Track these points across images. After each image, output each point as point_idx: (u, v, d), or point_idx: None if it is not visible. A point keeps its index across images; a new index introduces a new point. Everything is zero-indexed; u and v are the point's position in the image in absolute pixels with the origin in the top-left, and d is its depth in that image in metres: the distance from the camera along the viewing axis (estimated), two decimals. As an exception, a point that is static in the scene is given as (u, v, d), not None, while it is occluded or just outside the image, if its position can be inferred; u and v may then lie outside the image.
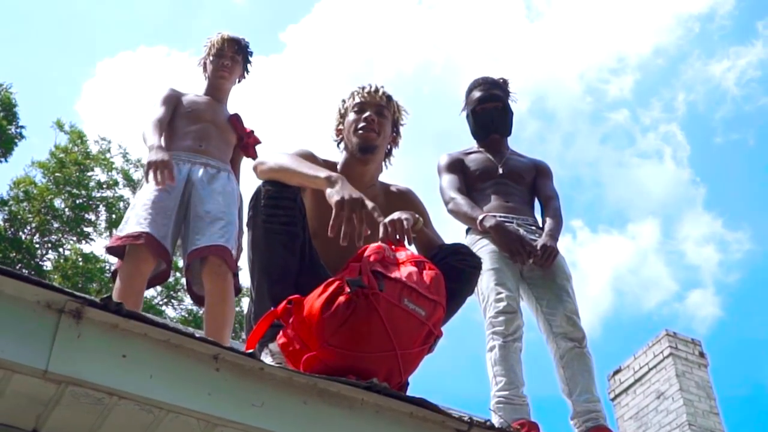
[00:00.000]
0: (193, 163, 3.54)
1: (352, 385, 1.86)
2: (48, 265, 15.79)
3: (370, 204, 2.36)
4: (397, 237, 2.41)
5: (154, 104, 3.71)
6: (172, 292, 16.41)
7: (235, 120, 3.82)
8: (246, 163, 3.89)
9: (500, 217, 3.63)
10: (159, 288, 15.81)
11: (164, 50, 32.99)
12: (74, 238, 16.31)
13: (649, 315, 30.06)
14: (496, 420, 3.12)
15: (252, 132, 3.86)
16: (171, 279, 15.72)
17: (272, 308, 2.25)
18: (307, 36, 31.78)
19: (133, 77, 27.82)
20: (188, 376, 1.69)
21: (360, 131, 2.88)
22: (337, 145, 3.02)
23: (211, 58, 3.91)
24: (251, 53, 4.04)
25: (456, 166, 3.87)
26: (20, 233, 15.70)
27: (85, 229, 16.39)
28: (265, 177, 2.56)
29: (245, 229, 2.60)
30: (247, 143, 3.82)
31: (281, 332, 2.19)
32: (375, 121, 2.89)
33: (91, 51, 32.20)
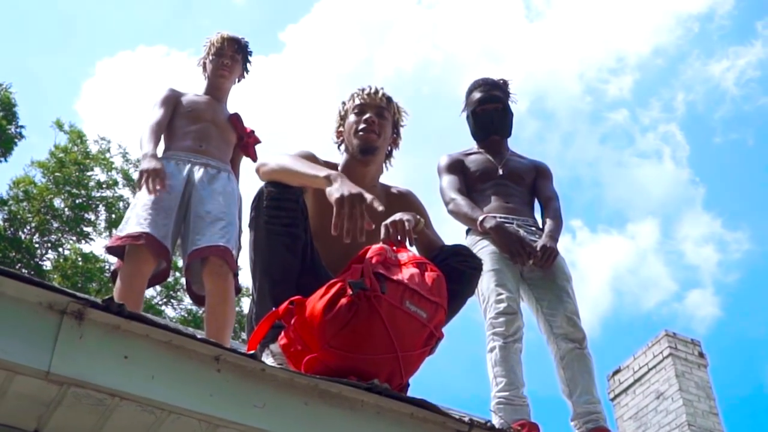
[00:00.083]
0: (193, 164, 3.55)
1: (353, 386, 1.87)
2: (47, 265, 15.79)
3: (369, 197, 2.36)
4: (399, 238, 2.42)
5: (153, 106, 3.72)
6: (171, 292, 16.41)
7: (235, 119, 3.83)
8: (245, 163, 3.91)
9: (500, 218, 3.64)
10: (158, 288, 15.82)
11: (164, 50, 33.00)
12: (74, 238, 16.31)
13: (648, 315, 30.09)
14: (496, 421, 3.13)
15: (252, 132, 3.86)
16: (170, 279, 15.73)
17: (273, 309, 2.26)
18: (306, 36, 31.80)
19: (132, 77, 27.85)
20: (190, 377, 1.69)
21: (360, 133, 2.88)
22: (338, 147, 3.02)
23: (210, 57, 3.92)
24: (251, 53, 4.04)
25: (456, 166, 3.88)
26: (20, 233, 15.70)
27: (85, 228, 16.39)
28: (267, 178, 2.57)
29: (247, 229, 2.60)
30: (247, 143, 3.83)
31: (283, 333, 2.19)
32: (375, 123, 2.90)
33: (90, 51, 32.24)
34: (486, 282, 3.38)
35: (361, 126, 2.89)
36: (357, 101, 2.96)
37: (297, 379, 1.82)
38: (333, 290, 2.10)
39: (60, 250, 16.23)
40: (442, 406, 2.03)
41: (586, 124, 36.42)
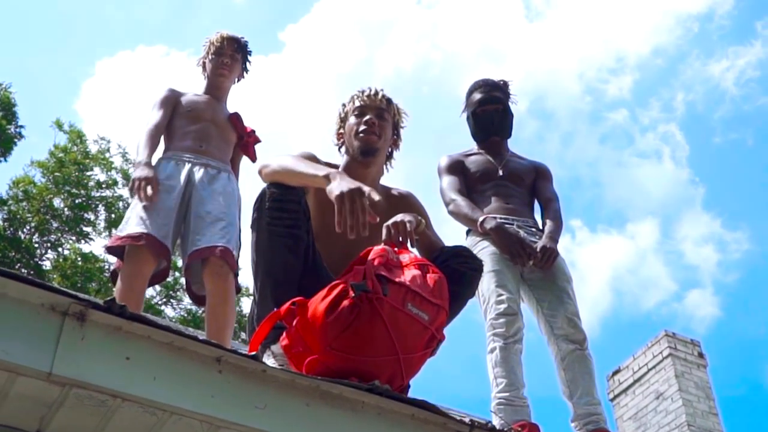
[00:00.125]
0: (193, 164, 3.55)
1: (354, 387, 1.87)
2: (47, 265, 15.78)
3: (366, 189, 2.36)
4: (401, 239, 2.42)
5: (152, 108, 3.72)
6: (171, 292, 16.41)
7: (235, 119, 3.83)
8: (245, 163, 3.90)
9: (500, 218, 3.64)
10: (158, 288, 15.82)
11: (163, 50, 32.98)
12: (73, 238, 16.30)
13: (648, 315, 30.10)
14: (496, 421, 3.13)
15: (253, 131, 3.87)
16: (170, 279, 15.72)
17: (275, 310, 2.26)
18: (306, 36, 31.79)
19: (132, 77, 27.83)
20: (191, 379, 1.70)
21: (361, 134, 2.89)
22: (338, 150, 3.02)
23: (210, 56, 3.92)
24: (250, 52, 4.05)
25: (456, 167, 3.88)
26: (19, 233, 15.69)
27: (85, 228, 16.38)
28: (269, 179, 2.58)
29: (248, 230, 2.61)
30: (247, 142, 3.83)
31: (284, 334, 2.20)
32: (376, 124, 2.90)
33: (90, 50, 32.25)
34: (486, 283, 3.39)
35: (362, 128, 2.90)
36: (357, 103, 2.97)
37: (298, 380, 1.82)
38: (335, 292, 2.10)
39: (59, 249, 16.23)
40: (442, 406, 2.03)
41: (585, 124, 36.46)
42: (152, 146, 3.54)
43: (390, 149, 3.02)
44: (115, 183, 17.08)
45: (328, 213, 2.63)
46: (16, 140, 15.74)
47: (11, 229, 15.56)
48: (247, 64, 4.04)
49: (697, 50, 36.37)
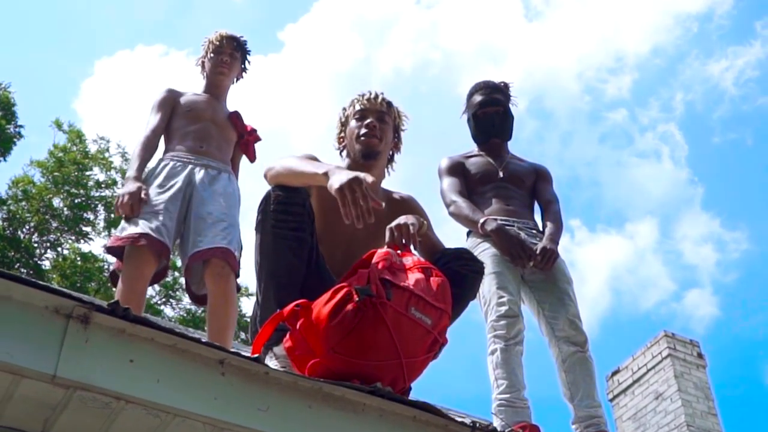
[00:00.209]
0: (194, 165, 3.55)
1: (356, 389, 1.88)
2: (46, 265, 15.80)
3: (362, 175, 2.37)
4: (404, 242, 2.42)
5: (150, 111, 3.73)
6: (170, 292, 16.41)
7: (235, 117, 3.83)
8: (245, 162, 3.90)
9: (501, 220, 3.65)
10: (157, 287, 15.82)
11: (162, 49, 33.00)
12: (73, 238, 16.32)
13: (647, 315, 30.12)
14: (497, 423, 3.14)
15: (254, 130, 3.86)
16: (169, 278, 15.72)
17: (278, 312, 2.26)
18: (305, 35, 31.80)
19: (131, 76, 27.82)
20: (194, 381, 1.70)
21: (362, 138, 2.90)
22: (340, 153, 3.04)
23: (209, 55, 3.92)
24: (249, 51, 4.04)
25: (457, 169, 3.89)
26: (19, 232, 15.70)
27: (84, 228, 16.39)
28: (274, 182, 2.59)
29: (253, 232, 2.61)
30: (247, 140, 3.82)
31: (288, 335, 2.20)
32: (377, 127, 2.92)
33: (89, 50, 32.26)
34: (487, 285, 3.40)
35: (363, 131, 2.91)
36: (358, 107, 2.98)
37: (301, 383, 1.83)
38: (339, 295, 2.10)
39: (59, 249, 16.25)
40: (442, 406, 2.04)
41: (584, 124, 36.48)
42: (144, 158, 3.55)
43: (391, 152, 3.03)
44: (115, 183, 17.08)
45: (329, 215, 2.64)
46: (15, 140, 15.74)
47: (11, 228, 15.57)
48: (246, 63, 4.03)
49: (697, 50, 36.41)
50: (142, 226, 3.26)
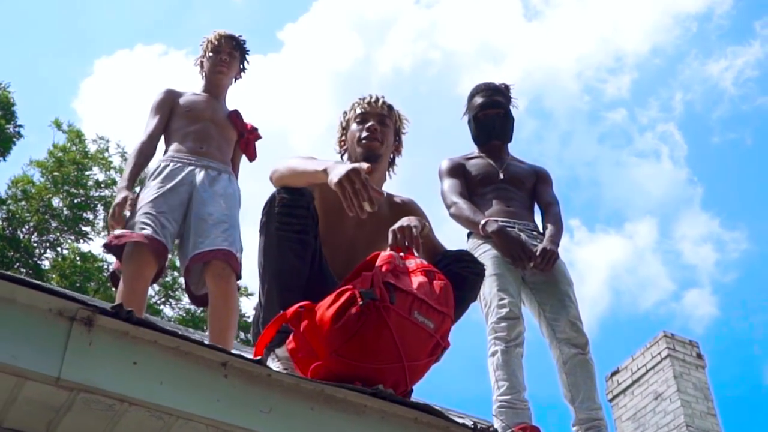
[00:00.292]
0: (194, 166, 3.55)
1: (358, 391, 1.89)
2: (46, 264, 15.80)
3: (358, 165, 2.39)
4: (406, 244, 2.43)
5: (149, 112, 3.73)
6: (169, 292, 16.42)
7: (235, 116, 3.82)
8: (245, 162, 3.90)
9: (502, 221, 3.66)
10: (156, 287, 15.82)
11: (162, 48, 33.02)
12: (72, 237, 16.32)
13: (646, 314, 30.13)
14: (498, 424, 3.15)
15: (254, 129, 3.86)
16: (169, 278, 15.73)
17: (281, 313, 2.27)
18: (305, 35, 31.80)
19: (130, 75, 27.82)
20: (197, 383, 1.71)
21: (363, 141, 2.91)
22: (341, 157, 3.04)
23: (208, 54, 3.91)
24: (248, 50, 4.03)
25: (457, 170, 3.90)
26: (18, 232, 15.70)
27: (83, 228, 16.39)
28: (279, 183, 2.61)
29: (256, 234, 2.62)
30: (248, 139, 3.82)
31: (291, 337, 2.21)
32: (378, 130, 2.93)
33: (88, 49, 32.23)
34: (488, 286, 3.40)
35: (364, 134, 2.92)
36: (358, 110, 2.99)
37: (303, 385, 1.84)
38: (343, 298, 2.11)
39: (58, 249, 16.25)
40: (442, 407, 2.04)
41: (584, 124, 36.49)
42: (136, 167, 3.58)
43: (392, 155, 3.04)
44: (114, 182, 17.06)
45: (332, 217, 2.65)
46: (15, 140, 15.76)
47: (10, 228, 15.57)
48: (245, 62, 4.03)
49: (696, 50, 36.42)
50: (144, 228, 3.26)
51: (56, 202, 16.31)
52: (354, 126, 2.98)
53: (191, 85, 3.99)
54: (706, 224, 33.07)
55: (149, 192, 3.42)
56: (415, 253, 2.42)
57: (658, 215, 33.47)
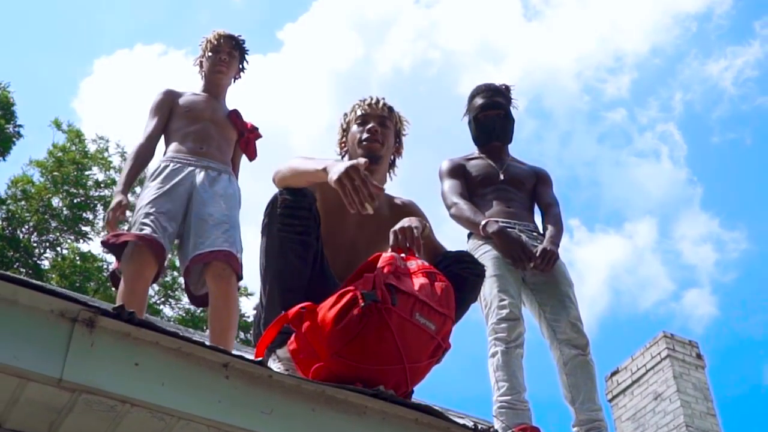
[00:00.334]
0: (194, 166, 3.55)
1: (358, 392, 1.89)
2: (46, 264, 15.79)
3: (356, 161, 2.39)
4: (408, 245, 2.43)
5: (148, 114, 3.73)
6: (169, 291, 16.41)
7: (235, 116, 3.82)
8: (245, 161, 3.90)
9: (502, 222, 3.66)
10: (156, 287, 15.82)
11: (161, 48, 33.03)
12: (72, 237, 16.30)
13: (645, 314, 30.13)
14: (498, 425, 3.16)
15: (254, 127, 3.86)
16: (168, 278, 15.73)
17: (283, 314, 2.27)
18: (304, 34, 31.80)
19: (130, 75, 27.82)
20: (199, 384, 1.72)
21: (364, 142, 2.92)
22: (342, 159, 3.04)
23: (207, 54, 3.91)
24: (247, 50, 4.03)
25: (458, 171, 3.91)
26: (18, 232, 15.69)
27: (83, 228, 16.37)
28: (282, 185, 2.62)
29: (256, 234, 2.63)
30: (248, 138, 3.82)
31: (293, 337, 2.21)
32: (378, 132, 2.94)
33: (88, 49, 32.23)
34: (488, 287, 3.41)
35: (365, 135, 2.93)
36: (359, 112, 3.00)
37: (304, 386, 1.84)
38: (344, 300, 2.11)
39: (58, 249, 16.24)
40: (441, 407, 2.05)
41: (583, 124, 36.50)
42: (133, 170, 3.59)
43: (392, 157, 3.05)
44: (114, 182, 17.05)
45: (332, 218, 2.65)
46: (14, 139, 15.75)
47: (10, 228, 15.57)
48: (245, 62, 4.03)
49: (696, 50, 36.42)
50: (144, 228, 3.27)
51: (56, 202, 16.30)
52: (355, 128, 2.99)
53: (191, 84, 4.00)
54: (706, 224, 33.11)
55: (149, 192, 3.43)
56: (416, 254, 2.42)
57: (658, 215, 33.51)
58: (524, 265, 3.55)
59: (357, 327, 2.08)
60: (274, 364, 2.31)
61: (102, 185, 16.93)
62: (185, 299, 15.37)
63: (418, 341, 2.18)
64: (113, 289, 3.38)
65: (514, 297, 3.46)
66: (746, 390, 28.23)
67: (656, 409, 9.11)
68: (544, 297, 3.59)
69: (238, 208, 3.59)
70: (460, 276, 2.57)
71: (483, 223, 3.62)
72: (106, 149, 17.44)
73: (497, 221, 3.65)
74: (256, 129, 3.87)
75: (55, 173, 16.18)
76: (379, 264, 2.23)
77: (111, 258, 3.59)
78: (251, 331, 2.92)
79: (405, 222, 2.51)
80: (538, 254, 3.55)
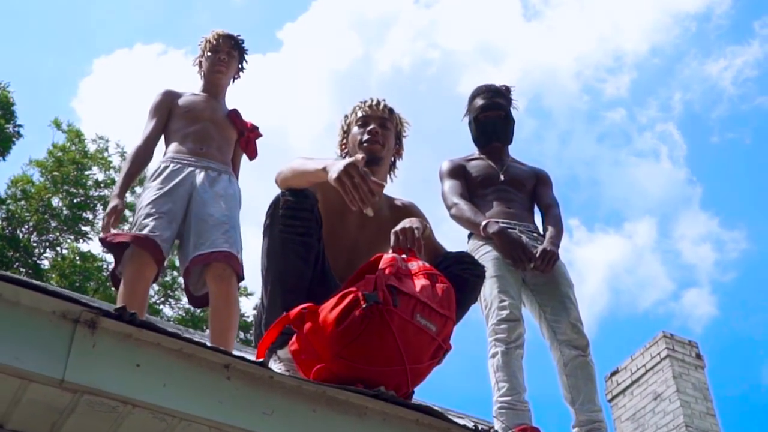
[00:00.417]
0: (194, 167, 3.55)
1: (359, 393, 1.89)
2: (45, 264, 15.80)
3: (352, 159, 2.40)
4: (409, 246, 2.44)
5: (147, 115, 3.74)
6: (169, 291, 16.41)
7: (234, 115, 3.82)
8: (245, 161, 3.90)
9: (503, 223, 3.67)
10: (156, 287, 15.82)
11: (161, 48, 33.04)
12: (72, 237, 16.31)
13: (645, 314, 30.14)
14: (498, 425, 3.17)
15: (255, 127, 3.86)
16: (168, 278, 15.73)
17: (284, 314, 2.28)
18: (304, 34, 31.80)
19: (129, 75, 27.83)
20: (200, 385, 1.72)
21: (365, 144, 2.92)
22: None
23: (207, 54, 3.91)
24: (246, 50, 4.03)
25: (458, 171, 3.91)
26: (18, 232, 15.69)
27: (83, 228, 16.38)
28: (284, 186, 2.63)
29: (255, 234, 2.64)
30: (248, 137, 3.82)
31: (294, 338, 2.22)
32: (379, 133, 2.94)
33: (88, 49, 32.23)
34: (489, 288, 3.42)
35: (365, 137, 2.93)
36: (360, 113, 3.01)
37: (305, 387, 1.85)
38: (346, 301, 2.11)
39: (58, 249, 16.24)
40: (441, 406, 2.05)
41: (583, 123, 36.51)
42: (130, 174, 3.61)
43: (393, 158, 3.06)
44: (114, 182, 17.05)
45: (333, 219, 2.66)
46: (14, 139, 15.76)
47: (10, 228, 15.57)
48: (244, 62, 4.03)
49: (695, 50, 36.43)
50: (145, 230, 3.27)
51: (56, 201, 16.30)
52: (355, 129, 2.99)
53: (191, 84, 4.00)
54: (705, 224, 33.12)
55: (149, 193, 3.43)
56: (417, 255, 2.42)
57: (658, 215, 33.52)
58: (524, 266, 3.55)
59: (358, 328, 2.08)
60: (275, 365, 2.31)
61: (102, 185, 16.93)
62: (185, 299, 15.37)
63: (419, 343, 2.18)
64: (113, 289, 3.38)
65: (515, 298, 3.46)
66: (746, 390, 28.24)
67: (656, 409, 9.12)
68: (545, 298, 3.59)
69: (239, 209, 3.59)
70: (461, 277, 2.57)
71: (483, 223, 3.63)
72: (106, 149, 17.47)
73: (498, 222, 3.65)
74: (257, 128, 3.87)
75: (55, 173, 16.18)
76: (381, 265, 2.23)
77: (111, 258, 3.59)
78: (251, 331, 2.92)
79: (406, 223, 2.52)
80: (538, 255, 3.56)
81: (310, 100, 32.08)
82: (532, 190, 3.97)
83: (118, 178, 3.64)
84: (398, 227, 2.49)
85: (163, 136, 3.73)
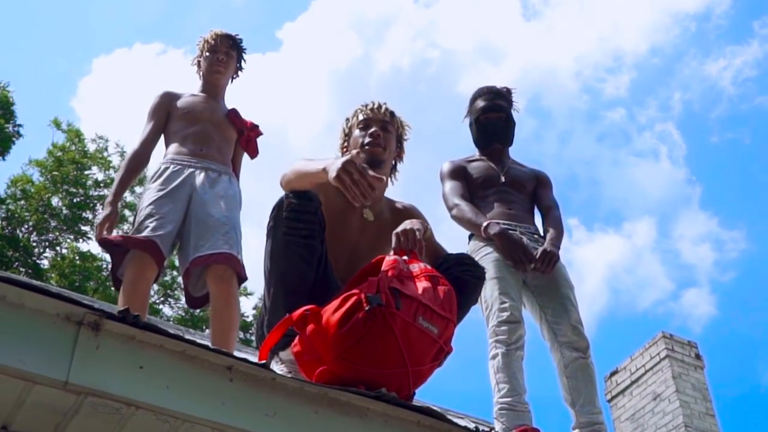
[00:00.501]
0: (194, 168, 3.55)
1: (361, 394, 1.90)
2: (45, 264, 15.79)
3: (350, 155, 2.42)
4: (410, 248, 2.44)
5: (146, 117, 3.74)
6: (168, 291, 16.41)
7: (233, 115, 3.81)
8: (247, 162, 3.91)
9: (503, 224, 3.67)
10: (156, 287, 15.80)
11: (160, 47, 33.04)
12: (71, 237, 16.31)
13: (644, 314, 30.14)
14: (499, 426, 3.17)
15: (255, 126, 3.85)
16: (168, 278, 15.73)
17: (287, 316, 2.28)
18: (304, 34, 31.80)
19: (129, 74, 27.82)
20: (203, 387, 1.73)
21: (366, 146, 2.93)
22: None
23: (205, 54, 3.91)
24: (245, 49, 4.03)
25: (459, 173, 3.92)
26: (18, 232, 15.69)
27: (83, 227, 16.37)
28: (288, 188, 2.64)
29: (258, 235, 2.65)
30: (248, 136, 3.82)
31: (297, 339, 2.22)
32: (380, 136, 2.95)
33: (87, 48, 32.24)
34: (489, 289, 3.42)
35: (367, 140, 2.94)
36: (361, 116, 3.01)
37: (307, 388, 1.85)
38: (349, 303, 2.12)
39: (58, 248, 16.24)
40: (441, 406, 2.06)
41: (582, 123, 36.52)
42: (125, 179, 3.62)
43: (394, 161, 3.06)
44: (113, 182, 17.02)
45: (334, 222, 2.66)
46: (14, 139, 15.76)
47: (9, 228, 15.57)
48: (243, 61, 4.02)
49: (695, 49, 36.42)
50: (146, 231, 3.28)
51: (55, 201, 16.30)
52: (357, 132, 3.00)
53: (190, 84, 3.99)
54: (705, 224, 33.13)
55: (150, 194, 3.44)
56: (419, 257, 2.43)
57: (657, 215, 33.52)
58: (525, 267, 3.55)
59: (361, 330, 2.09)
60: (277, 366, 2.32)
61: (101, 185, 16.92)
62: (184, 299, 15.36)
63: (421, 345, 2.19)
64: (114, 289, 3.39)
65: (515, 299, 3.47)
66: (745, 390, 28.26)
67: (655, 409, 9.13)
68: (545, 299, 3.60)
69: (239, 209, 3.59)
70: (461, 279, 2.58)
71: (484, 224, 3.63)
72: (106, 149, 17.47)
73: (498, 223, 3.66)
74: (257, 126, 3.87)
75: (55, 173, 16.18)
76: (383, 267, 2.24)
77: (110, 258, 3.59)
78: (251, 331, 2.93)
79: (407, 224, 2.52)
80: (538, 256, 3.56)
81: (310, 100, 32.12)
82: (532, 192, 3.97)
83: (115, 181, 3.65)
84: (399, 229, 2.50)
85: (163, 138, 3.73)
